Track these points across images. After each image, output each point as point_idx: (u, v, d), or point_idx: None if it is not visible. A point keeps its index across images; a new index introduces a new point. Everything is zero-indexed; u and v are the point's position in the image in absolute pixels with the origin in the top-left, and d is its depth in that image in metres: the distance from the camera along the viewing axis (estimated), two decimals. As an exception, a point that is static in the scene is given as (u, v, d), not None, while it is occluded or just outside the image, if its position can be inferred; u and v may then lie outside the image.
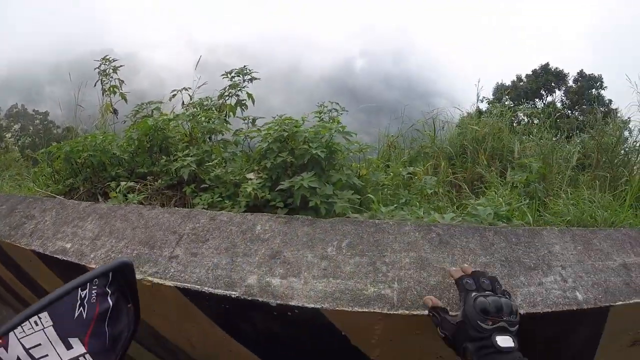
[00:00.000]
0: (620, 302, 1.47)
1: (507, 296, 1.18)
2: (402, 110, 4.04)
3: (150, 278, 1.66)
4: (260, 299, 1.46)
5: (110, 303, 0.95)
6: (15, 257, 2.21)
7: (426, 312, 1.36)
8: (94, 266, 1.81)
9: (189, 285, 1.58)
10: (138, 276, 1.68)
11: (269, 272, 1.54)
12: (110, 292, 0.95)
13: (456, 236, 1.69)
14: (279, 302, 1.43)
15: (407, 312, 1.38)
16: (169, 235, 1.81)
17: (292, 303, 1.42)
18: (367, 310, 1.38)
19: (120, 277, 0.98)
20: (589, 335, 1.59)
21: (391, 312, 1.38)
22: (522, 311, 1.40)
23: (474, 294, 1.13)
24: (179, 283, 1.60)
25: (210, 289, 1.54)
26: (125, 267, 0.98)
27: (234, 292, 1.50)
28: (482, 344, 1.03)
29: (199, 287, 1.56)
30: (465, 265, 1.34)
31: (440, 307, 1.23)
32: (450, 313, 1.21)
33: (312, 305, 1.40)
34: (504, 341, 1.04)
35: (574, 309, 1.44)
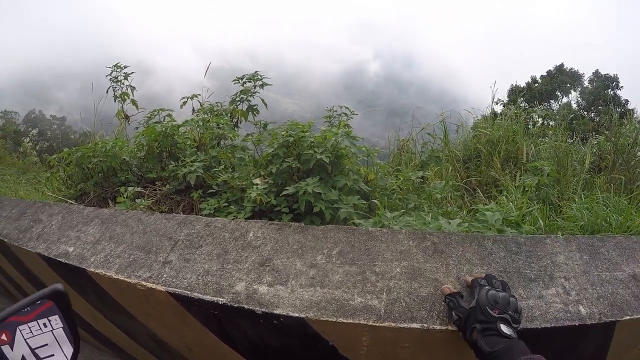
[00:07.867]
0: (628, 317, 1.38)
1: (515, 298, 1.31)
2: (413, 113, 3.95)
3: (144, 283, 1.68)
4: (246, 307, 1.44)
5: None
6: (24, 260, 2.27)
7: (414, 324, 1.33)
8: (92, 270, 1.85)
9: (179, 290, 1.58)
10: (132, 280, 1.71)
11: (257, 280, 1.53)
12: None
13: (452, 245, 1.63)
14: (264, 310, 1.42)
15: (393, 324, 1.33)
16: (164, 241, 1.83)
17: (277, 311, 1.40)
18: (351, 321, 1.34)
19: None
20: (592, 353, 1.50)
21: (377, 324, 1.33)
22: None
23: (487, 287, 1.31)
24: (170, 288, 1.60)
25: (199, 294, 1.54)
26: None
27: (221, 299, 1.49)
28: (488, 326, 1.21)
29: (188, 292, 1.56)
30: (477, 271, 1.52)
31: (457, 292, 1.38)
32: (464, 300, 1.36)
33: (297, 315, 1.38)
34: (507, 329, 1.19)
35: (576, 324, 1.36)
